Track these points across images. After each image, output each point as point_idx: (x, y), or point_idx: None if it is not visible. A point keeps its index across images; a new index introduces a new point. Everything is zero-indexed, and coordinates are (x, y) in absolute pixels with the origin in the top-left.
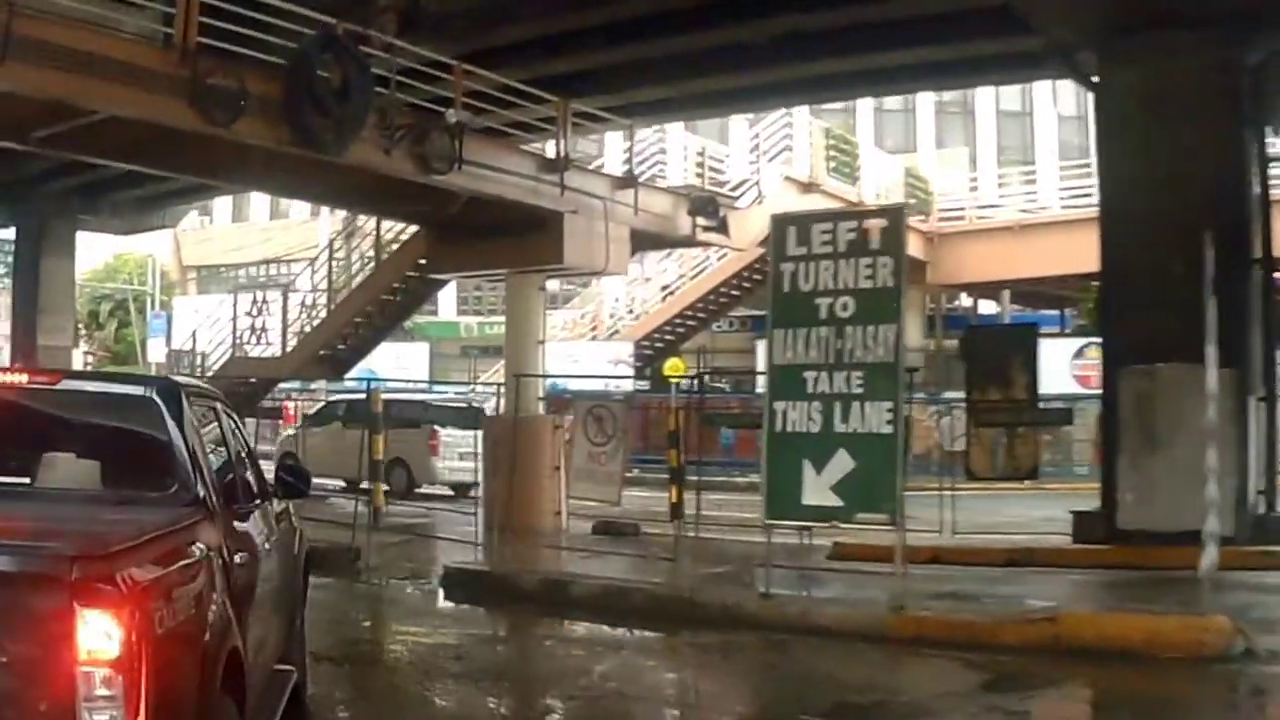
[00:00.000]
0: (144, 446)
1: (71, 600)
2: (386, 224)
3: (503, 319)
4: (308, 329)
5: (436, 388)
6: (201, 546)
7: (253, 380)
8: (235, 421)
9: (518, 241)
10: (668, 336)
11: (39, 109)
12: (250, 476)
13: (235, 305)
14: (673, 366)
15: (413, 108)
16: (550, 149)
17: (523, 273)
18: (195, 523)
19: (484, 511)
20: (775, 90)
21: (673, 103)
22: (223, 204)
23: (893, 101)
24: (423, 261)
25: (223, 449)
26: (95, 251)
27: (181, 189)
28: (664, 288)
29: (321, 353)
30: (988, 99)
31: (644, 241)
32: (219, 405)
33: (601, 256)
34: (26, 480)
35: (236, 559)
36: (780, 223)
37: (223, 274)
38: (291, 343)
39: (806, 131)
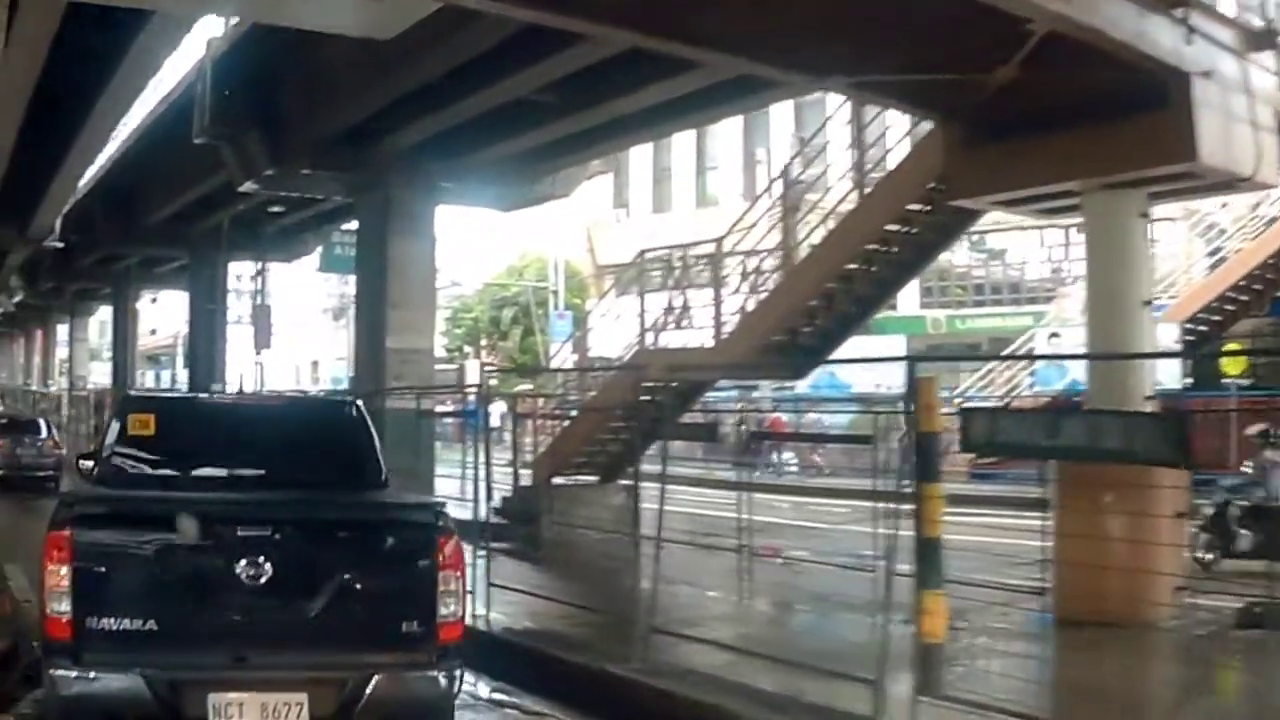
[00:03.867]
0: (347, 446)
1: (438, 536)
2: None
3: (977, 311)
4: (749, 306)
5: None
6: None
7: (670, 383)
8: None
9: (1105, 132)
10: (1214, 317)
11: None
12: None
13: (642, 283)
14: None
15: None
16: None
17: (1116, 185)
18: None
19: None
20: None
21: None
22: (640, 193)
23: None
24: (933, 186)
25: None
26: (498, 254)
27: (565, 137)
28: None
29: (774, 339)
30: None
31: None
32: None
33: (1249, 151)
34: (262, 472)
35: None
36: None
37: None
38: (728, 329)
39: None
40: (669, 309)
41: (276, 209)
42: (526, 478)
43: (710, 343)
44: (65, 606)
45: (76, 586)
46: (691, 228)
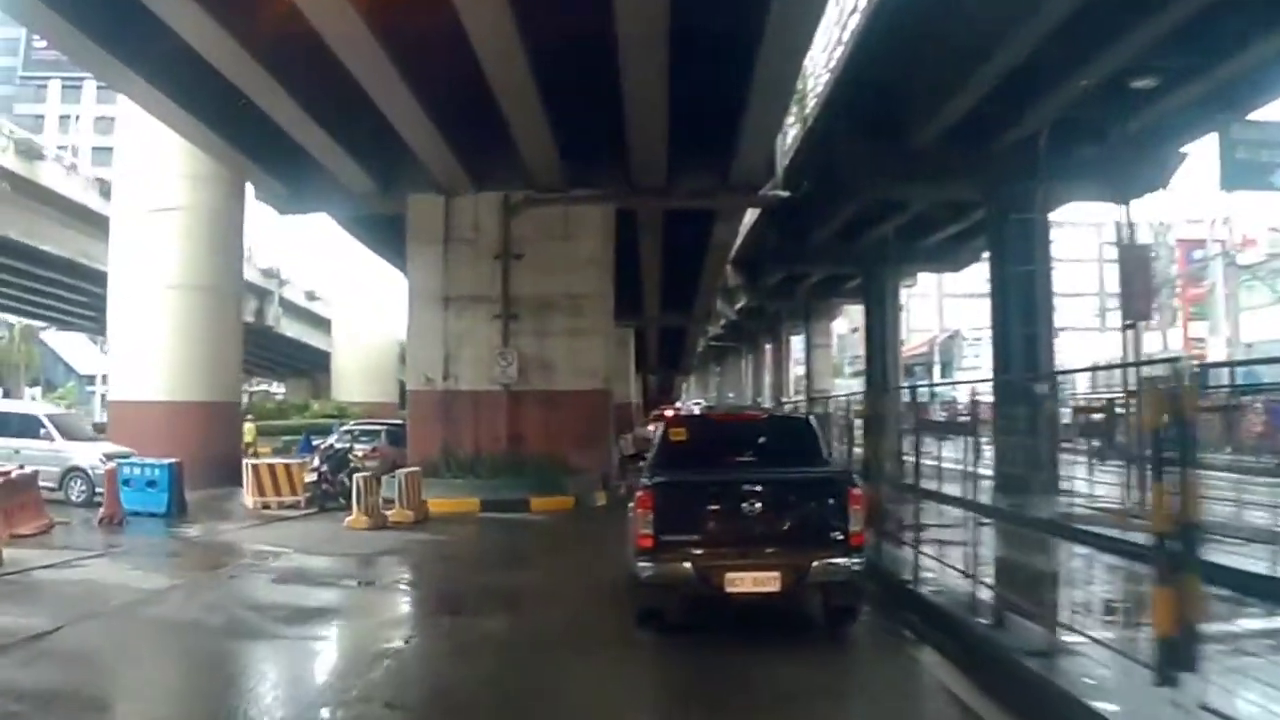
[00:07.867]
0: (803, 441)
1: (848, 487)
2: None
3: None
4: None
5: None
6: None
7: None
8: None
9: None
10: None
11: None
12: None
13: None
14: None
15: None
16: None
17: None
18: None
19: None
20: None
21: None
22: None
23: None
24: None
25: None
26: None
27: None
28: None
29: None
30: None
31: None
32: None
33: None
34: (753, 459)
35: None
36: None
37: None
38: None
39: None
40: None
41: (1142, 82)
42: None
43: None
44: (650, 530)
45: (654, 520)
46: None
